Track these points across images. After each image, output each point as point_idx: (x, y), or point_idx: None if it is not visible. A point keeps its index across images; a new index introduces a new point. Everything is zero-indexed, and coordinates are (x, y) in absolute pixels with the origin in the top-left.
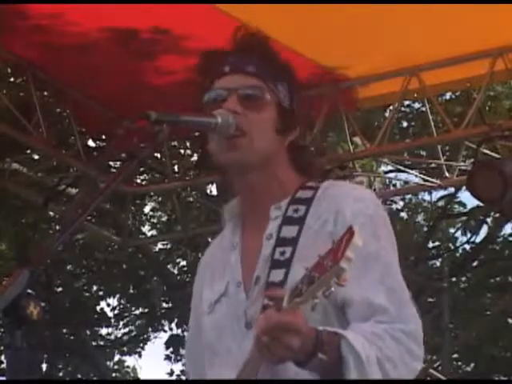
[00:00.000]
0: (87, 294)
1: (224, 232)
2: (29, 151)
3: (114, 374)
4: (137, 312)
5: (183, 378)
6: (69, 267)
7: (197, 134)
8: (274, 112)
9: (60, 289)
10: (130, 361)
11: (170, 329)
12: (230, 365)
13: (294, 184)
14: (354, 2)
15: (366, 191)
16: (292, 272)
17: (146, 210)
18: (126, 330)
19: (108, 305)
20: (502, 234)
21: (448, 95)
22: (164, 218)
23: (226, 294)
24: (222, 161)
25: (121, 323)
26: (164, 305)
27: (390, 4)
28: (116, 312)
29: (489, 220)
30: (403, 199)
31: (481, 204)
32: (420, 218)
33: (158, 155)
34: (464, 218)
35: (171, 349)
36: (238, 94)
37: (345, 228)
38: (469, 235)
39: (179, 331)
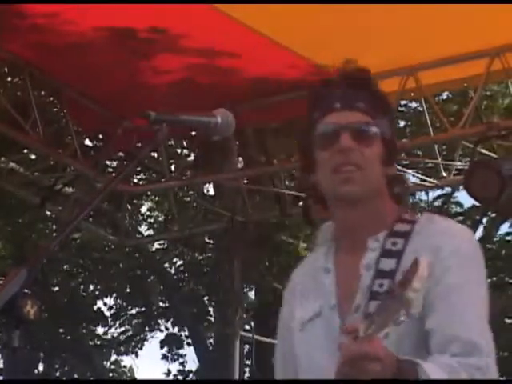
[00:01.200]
0: (84, 294)
1: (316, 255)
2: (26, 151)
3: (110, 374)
4: (133, 311)
5: (180, 377)
6: (65, 266)
7: (193, 133)
8: (381, 146)
9: (57, 288)
10: (126, 360)
11: (167, 328)
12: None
13: (392, 215)
14: (351, 2)
15: (463, 229)
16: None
17: (143, 209)
18: (123, 329)
19: (105, 304)
20: (498, 233)
21: (445, 95)
22: (161, 218)
23: (320, 315)
24: (337, 194)
25: (117, 323)
26: (161, 304)
27: (387, 4)
28: (113, 311)
29: (484, 220)
30: None
31: (477, 204)
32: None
33: (155, 155)
34: (461, 217)
35: (168, 348)
36: (350, 131)
37: (442, 266)
38: None
39: (176, 330)
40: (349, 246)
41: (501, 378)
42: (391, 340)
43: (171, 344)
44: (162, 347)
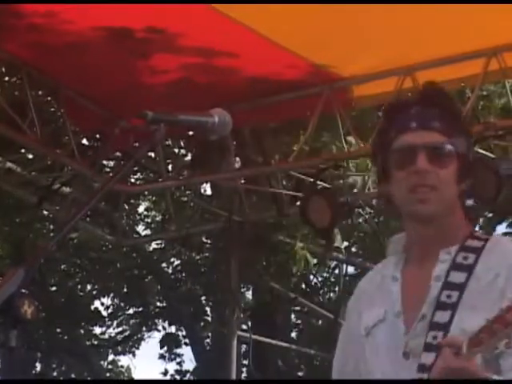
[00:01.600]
0: (81, 293)
1: (386, 264)
2: (23, 150)
3: (108, 374)
4: (131, 311)
5: (177, 377)
6: (63, 266)
7: (190, 133)
8: (456, 164)
9: (54, 288)
10: (124, 360)
11: (164, 328)
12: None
13: (463, 230)
14: (350, 2)
15: None
16: (457, 316)
17: (140, 209)
18: (120, 329)
19: (102, 304)
20: (496, 233)
21: None
22: (158, 218)
23: (384, 321)
24: (411, 212)
25: (115, 322)
26: (158, 304)
27: (384, 4)
28: (110, 311)
29: (481, 220)
30: None
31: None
32: None
33: (152, 154)
34: None
35: (165, 348)
36: (426, 151)
37: None
38: None
39: (173, 330)
40: (419, 258)
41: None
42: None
43: (168, 344)
44: (161, 347)
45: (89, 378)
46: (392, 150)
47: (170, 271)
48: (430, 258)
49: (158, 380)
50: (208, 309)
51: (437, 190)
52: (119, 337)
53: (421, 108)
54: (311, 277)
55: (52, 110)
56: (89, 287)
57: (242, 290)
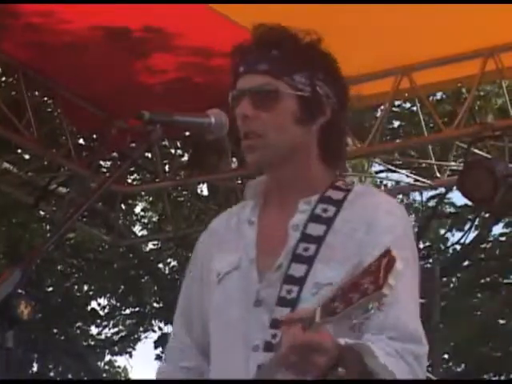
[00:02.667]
0: (78, 294)
1: (243, 207)
2: (19, 151)
3: (104, 375)
4: (127, 312)
5: None
6: (59, 267)
7: (187, 133)
8: (293, 104)
9: (50, 288)
10: (120, 361)
11: (160, 328)
12: (232, 334)
13: (323, 179)
14: (345, 2)
15: (398, 206)
16: (313, 270)
17: (137, 209)
18: (117, 329)
19: (99, 304)
20: (492, 233)
21: (439, 95)
22: (155, 218)
23: (238, 268)
24: (247, 161)
25: (111, 323)
26: (155, 304)
27: (381, 4)
28: (106, 311)
29: (477, 220)
30: None
31: (470, 204)
32: (411, 218)
33: (149, 155)
34: (455, 217)
35: (161, 348)
36: (250, 96)
37: (375, 240)
38: (458, 235)
39: (170, 330)
40: (277, 203)
41: (494, 378)
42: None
43: (165, 344)
44: (156, 347)
45: (86, 379)
46: (229, 100)
47: (166, 272)
48: (289, 206)
49: (157, 380)
50: None
51: (262, 136)
52: (116, 337)
53: (251, 51)
54: None
55: (49, 110)
56: (85, 287)
57: None
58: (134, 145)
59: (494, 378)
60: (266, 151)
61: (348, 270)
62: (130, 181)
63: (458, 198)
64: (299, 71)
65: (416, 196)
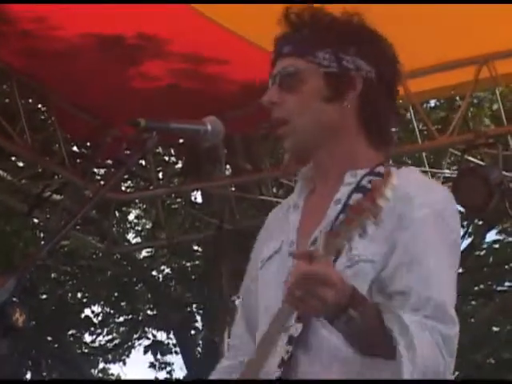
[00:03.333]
0: (71, 301)
1: (293, 194)
2: (13, 158)
3: None
4: (121, 319)
5: None
6: (53, 274)
7: (181, 141)
8: (318, 82)
9: (44, 296)
10: (114, 368)
11: (154, 336)
12: (269, 319)
13: (370, 159)
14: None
15: (438, 185)
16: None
17: (131, 217)
18: (110, 337)
19: (92, 312)
20: (486, 240)
21: (432, 102)
22: (148, 225)
23: (279, 252)
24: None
25: (105, 330)
26: (148, 312)
27: (374, 12)
28: (100, 319)
29: (470, 227)
30: None
31: (463, 211)
32: None
33: (143, 162)
34: None
35: (154, 356)
36: (277, 81)
37: (413, 213)
38: None
39: (163, 337)
40: (323, 184)
41: None
42: (363, 289)
43: (157, 351)
44: (145, 352)
45: None
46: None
47: (160, 279)
48: (335, 182)
49: (157, 380)
50: (199, 317)
51: (287, 122)
52: (109, 345)
53: (281, 35)
54: None
55: (42, 117)
56: (79, 295)
57: (233, 297)
58: (128, 152)
59: None
60: (296, 137)
61: (385, 249)
62: (123, 188)
63: None
64: (322, 48)
65: None
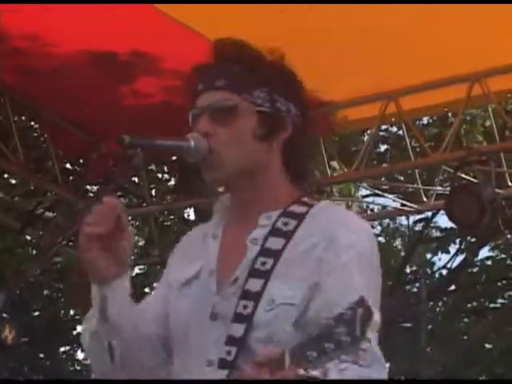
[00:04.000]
0: (64, 318)
1: (210, 222)
2: (6, 175)
3: None
4: None
5: None
6: (45, 291)
7: (174, 158)
8: (252, 120)
9: (36, 313)
10: None
11: None
12: (189, 346)
13: (288, 196)
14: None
15: (362, 223)
16: (269, 286)
17: None
18: None
19: None
20: (479, 257)
21: (425, 119)
22: (141, 242)
23: (198, 278)
24: (205, 180)
25: None
26: None
27: (366, 28)
28: None
29: (463, 244)
30: (381, 224)
31: (456, 227)
32: (397, 242)
33: (136, 179)
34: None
35: None
36: (208, 113)
37: (335, 257)
38: (444, 259)
39: None
40: (240, 218)
41: None
42: (263, 323)
43: None
44: None
45: None
46: (189, 120)
47: None
48: (250, 220)
49: (157, 380)
50: None
51: (216, 152)
52: None
53: (211, 68)
54: None
55: (35, 134)
56: (72, 312)
57: None
58: (116, 168)
59: None
60: (221, 169)
61: (305, 290)
62: None
63: (443, 221)
64: (258, 87)
65: (403, 220)
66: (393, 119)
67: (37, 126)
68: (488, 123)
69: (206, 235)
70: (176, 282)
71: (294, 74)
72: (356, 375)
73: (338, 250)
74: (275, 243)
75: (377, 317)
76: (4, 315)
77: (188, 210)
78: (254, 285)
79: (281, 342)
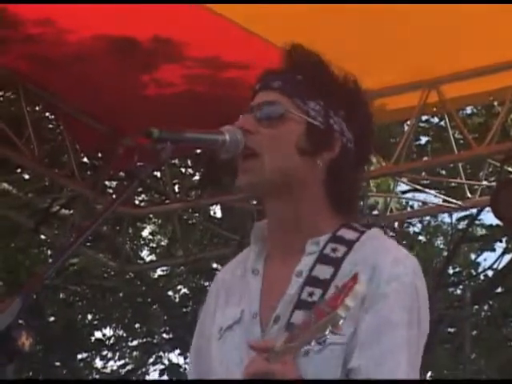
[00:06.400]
0: (81, 324)
1: (249, 253)
2: (19, 170)
3: None
4: (135, 343)
5: None
6: (62, 295)
7: (198, 151)
8: (299, 129)
9: (52, 318)
10: None
11: (170, 361)
12: None
13: (332, 222)
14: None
15: (408, 256)
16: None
17: (145, 233)
18: (123, 362)
19: (103, 335)
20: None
21: (469, 109)
22: (164, 242)
23: (240, 323)
24: (237, 184)
25: (117, 355)
26: (164, 335)
27: (408, 15)
28: (112, 342)
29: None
30: (421, 221)
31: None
32: (439, 241)
33: (158, 174)
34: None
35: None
36: (257, 111)
37: (377, 290)
38: (490, 259)
39: (181, 361)
40: (282, 248)
41: None
42: (314, 364)
43: (172, 375)
44: (160, 375)
45: None
46: None
47: (176, 300)
48: (295, 249)
49: (157, 380)
50: None
51: (259, 156)
52: (122, 370)
53: (274, 70)
54: None
55: (50, 126)
56: (89, 317)
57: None
58: (141, 164)
59: None
60: (260, 174)
61: (352, 328)
62: (137, 202)
63: (489, 218)
64: (315, 98)
65: (445, 218)
66: (434, 109)
67: (52, 117)
68: None
69: (246, 271)
70: (217, 328)
71: (362, 100)
72: None
73: (382, 280)
74: (323, 272)
75: (360, 287)
76: (20, 321)
77: (214, 207)
78: (301, 317)
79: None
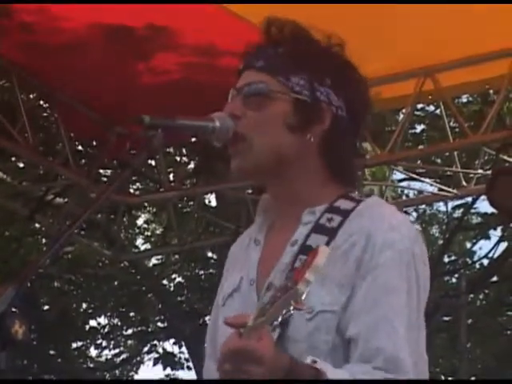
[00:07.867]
0: (76, 312)
1: (254, 225)
2: (13, 159)
3: None
4: (129, 331)
5: None
6: (56, 283)
7: (193, 140)
8: (286, 107)
9: (47, 306)
10: None
11: (164, 349)
12: None
13: (331, 192)
14: (365, 2)
15: (404, 221)
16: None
17: (140, 221)
18: (117, 351)
19: (98, 323)
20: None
21: (464, 97)
22: (159, 231)
23: (239, 290)
24: (231, 170)
25: (112, 343)
26: (159, 324)
27: (403, 2)
28: (107, 331)
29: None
30: (417, 210)
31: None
32: (435, 230)
33: (153, 163)
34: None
35: (166, 370)
36: (242, 94)
37: (373, 258)
38: (486, 248)
39: (175, 350)
40: (281, 218)
41: None
42: (306, 329)
43: (169, 366)
44: (154, 364)
45: None
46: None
47: (171, 288)
48: (292, 218)
49: (157, 380)
50: None
51: (247, 140)
52: (117, 359)
53: (255, 47)
54: None
55: (44, 115)
56: (84, 306)
57: None
58: (134, 152)
59: None
60: (250, 157)
61: (344, 298)
62: (132, 191)
63: (484, 207)
64: (298, 72)
65: (440, 206)
66: (430, 97)
67: (46, 105)
68: None
69: (250, 240)
70: (221, 296)
71: (348, 63)
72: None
73: (377, 249)
74: (317, 241)
75: (320, 260)
76: (13, 309)
77: (209, 195)
78: None
79: (320, 355)
